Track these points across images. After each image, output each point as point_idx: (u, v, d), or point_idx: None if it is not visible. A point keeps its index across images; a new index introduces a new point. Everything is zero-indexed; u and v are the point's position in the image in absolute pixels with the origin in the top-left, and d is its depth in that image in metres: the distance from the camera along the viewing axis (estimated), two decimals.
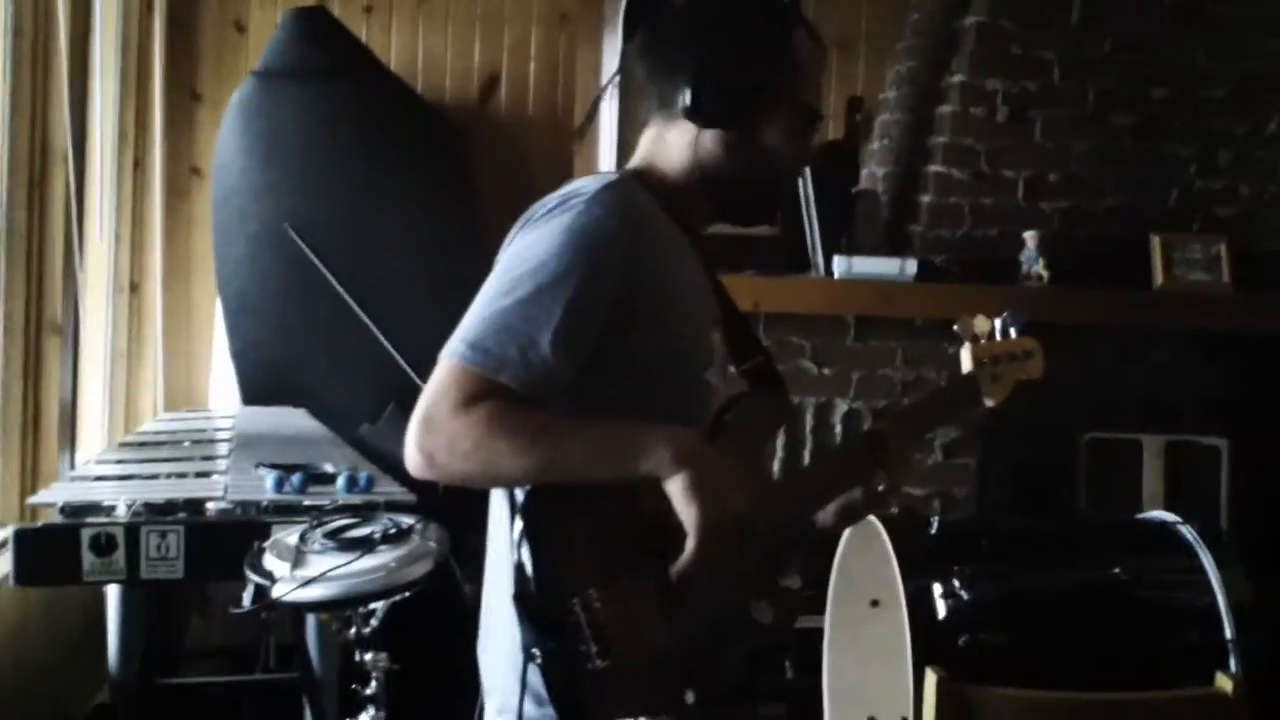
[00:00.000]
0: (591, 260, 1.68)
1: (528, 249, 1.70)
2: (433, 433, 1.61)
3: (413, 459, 1.63)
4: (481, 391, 1.61)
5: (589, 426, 1.68)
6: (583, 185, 1.76)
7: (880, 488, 1.94)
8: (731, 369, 1.91)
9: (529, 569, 1.62)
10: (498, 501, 1.80)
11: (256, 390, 4.18)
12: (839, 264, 4.00)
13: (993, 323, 2.06)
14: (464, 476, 1.63)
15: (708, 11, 1.83)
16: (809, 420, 4.09)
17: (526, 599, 1.62)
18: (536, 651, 1.61)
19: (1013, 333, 2.06)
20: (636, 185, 1.81)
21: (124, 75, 4.23)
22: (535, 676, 1.64)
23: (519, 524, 1.63)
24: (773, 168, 1.86)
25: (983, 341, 2.05)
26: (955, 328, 2.05)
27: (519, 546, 1.63)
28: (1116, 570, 2.58)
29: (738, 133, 1.81)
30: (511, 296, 1.65)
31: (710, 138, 1.81)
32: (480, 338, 1.64)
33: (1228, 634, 2.47)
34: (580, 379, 1.68)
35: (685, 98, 1.79)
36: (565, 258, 1.67)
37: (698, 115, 1.79)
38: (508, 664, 1.73)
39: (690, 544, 1.65)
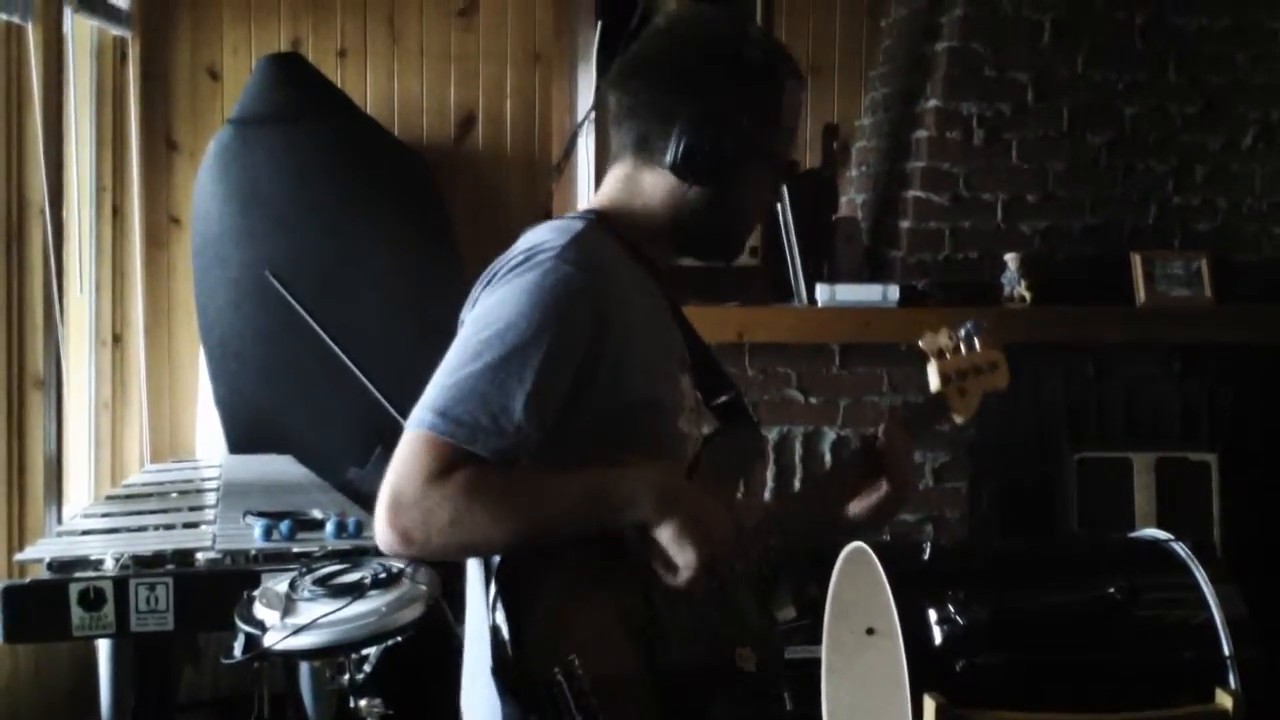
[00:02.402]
0: (560, 319, 1.62)
1: (493, 310, 1.64)
2: (406, 509, 1.54)
3: (385, 539, 1.55)
4: (454, 462, 1.55)
5: (569, 481, 1.63)
6: (546, 239, 1.69)
7: (888, 493, 1.92)
8: (704, 409, 1.89)
9: (506, 638, 1.56)
10: (471, 566, 1.73)
11: (242, 438, 4.16)
12: (821, 292, 4.00)
13: (955, 336, 2.06)
14: (443, 550, 1.57)
15: (701, 59, 1.76)
16: (798, 449, 4.08)
17: (506, 671, 1.56)
18: None
19: (976, 344, 2.06)
20: (600, 231, 1.75)
21: (99, 126, 4.23)
22: None
23: (493, 590, 1.58)
24: (747, 218, 1.84)
25: (948, 357, 2.04)
26: (919, 344, 2.05)
27: (494, 614, 1.57)
28: (1111, 590, 2.57)
29: (720, 188, 1.77)
30: (480, 361, 1.59)
31: (693, 192, 1.76)
32: (449, 406, 1.57)
33: (1225, 650, 2.46)
34: (550, 435, 1.63)
35: (672, 152, 1.73)
36: (534, 318, 1.61)
37: (687, 172, 1.74)
38: None
39: (684, 583, 1.63)
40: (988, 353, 2.06)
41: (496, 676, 1.57)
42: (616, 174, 1.82)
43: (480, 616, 1.70)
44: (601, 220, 1.78)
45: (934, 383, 2.03)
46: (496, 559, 1.61)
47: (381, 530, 1.56)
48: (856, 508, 1.94)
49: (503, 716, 1.57)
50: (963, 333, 2.07)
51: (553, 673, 1.55)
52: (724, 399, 1.89)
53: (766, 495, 3.76)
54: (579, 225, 1.73)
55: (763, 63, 1.77)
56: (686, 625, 1.65)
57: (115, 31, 4.32)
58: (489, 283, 1.70)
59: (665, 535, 1.62)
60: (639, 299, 1.76)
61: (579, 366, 1.64)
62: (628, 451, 1.68)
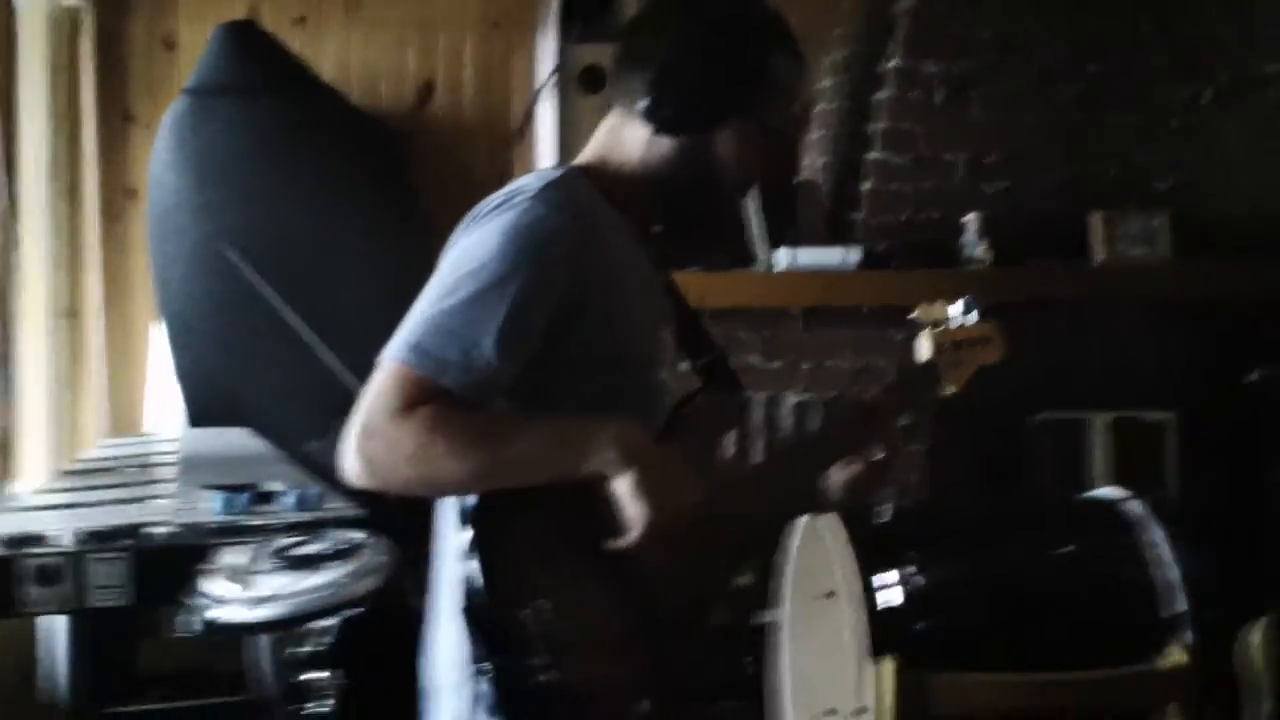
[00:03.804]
0: (535, 259, 1.64)
1: (470, 249, 1.67)
2: (372, 439, 1.57)
3: (351, 467, 1.59)
4: (422, 395, 1.57)
5: (533, 426, 1.65)
6: (526, 183, 1.72)
7: (880, 456, 1.93)
8: (684, 366, 1.89)
9: (478, 580, 1.58)
10: (446, 511, 1.76)
11: (202, 412, 4.14)
12: (783, 256, 4.00)
13: (949, 309, 2.07)
14: (405, 483, 1.59)
15: (690, 11, 1.78)
16: (760, 414, 4.08)
17: (475, 612, 1.59)
18: (487, 665, 1.58)
19: (971, 318, 2.07)
20: (582, 181, 1.77)
21: (53, 97, 4.17)
22: (486, 689, 1.61)
23: (467, 533, 1.60)
24: (721, 183, 1.82)
25: (941, 328, 2.05)
26: (915, 314, 2.05)
27: (466, 557, 1.59)
28: (1069, 549, 2.58)
29: (692, 142, 1.77)
30: (454, 297, 1.62)
31: (664, 143, 1.77)
32: (422, 340, 1.60)
33: (1181, 607, 2.47)
34: (526, 379, 1.65)
35: (646, 99, 1.75)
36: (509, 257, 1.63)
37: (654, 120, 1.76)
38: (458, 679, 1.71)
39: (635, 544, 1.63)
40: (982, 326, 2.08)
41: (465, 616, 1.59)
42: (605, 125, 1.84)
43: (452, 559, 1.72)
44: (584, 173, 1.80)
45: (926, 352, 2.03)
46: (471, 503, 1.62)
47: (348, 458, 1.58)
48: (837, 475, 1.94)
49: (470, 656, 1.61)
50: (957, 307, 2.08)
51: (520, 614, 1.57)
52: (707, 359, 1.90)
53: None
54: (560, 172, 1.77)
55: (752, 24, 1.78)
56: (657, 577, 1.66)
57: (68, 1, 4.26)
58: (469, 223, 1.72)
59: (622, 489, 1.62)
60: (618, 247, 1.77)
61: (555, 308, 1.66)
62: (607, 397, 1.70)
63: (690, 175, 1.78)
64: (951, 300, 2.09)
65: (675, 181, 1.79)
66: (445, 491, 1.69)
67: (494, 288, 1.62)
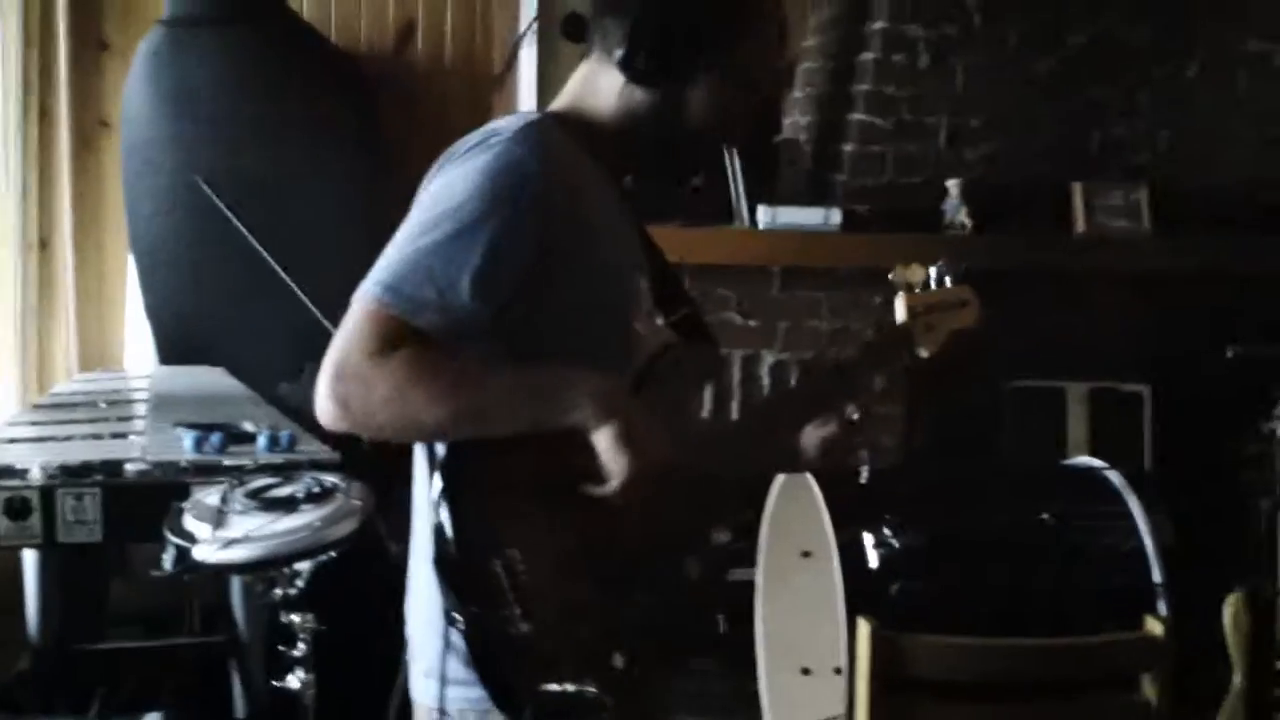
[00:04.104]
0: (513, 201, 1.62)
1: (446, 188, 1.64)
2: (346, 380, 1.54)
3: (324, 408, 1.56)
4: (397, 336, 1.55)
5: (512, 374, 1.63)
6: (504, 124, 1.69)
7: (854, 416, 1.91)
8: (659, 320, 1.88)
9: (449, 530, 1.57)
10: (419, 460, 1.74)
11: (173, 349, 4.10)
12: (763, 214, 3.98)
13: (927, 271, 2.05)
14: (378, 427, 1.57)
15: None
16: (736, 372, 4.08)
17: (447, 562, 1.57)
18: (458, 616, 1.57)
19: (947, 281, 2.05)
20: (557, 127, 1.74)
21: (26, 24, 4.10)
22: (458, 640, 1.60)
23: (437, 483, 1.58)
24: (695, 135, 1.79)
25: (917, 290, 2.04)
26: (890, 276, 2.03)
27: (438, 507, 1.58)
28: (1045, 516, 2.60)
29: (665, 94, 1.74)
30: (429, 237, 1.59)
31: (637, 93, 1.74)
32: (396, 279, 1.57)
33: (1156, 577, 2.50)
34: (502, 324, 1.62)
35: (621, 48, 1.72)
36: (486, 198, 1.61)
37: (628, 69, 1.73)
38: (431, 627, 1.69)
39: (615, 496, 1.62)
40: (959, 289, 2.05)
41: (437, 568, 1.57)
42: (580, 71, 1.81)
43: (424, 510, 1.71)
44: (559, 119, 1.77)
45: (900, 314, 2.02)
46: (442, 453, 1.60)
47: (321, 399, 1.56)
48: (810, 435, 1.93)
49: (442, 608, 1.59)
50: (934, 269, 2.06)
51: (492, 564, 1.56)
52: (682, 313, 1.88)
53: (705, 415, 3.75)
54: (536, 116, 1.74)
55: None
56: (630, 529, 1.65)
57: None
58: (445, 163, 1.69)
59: (602, 441, 1.61)
60: (594, 195, 1.75)
61: (530, 250, 1.63)
62: (582, 344, 1.68)
63: (662, 126, 1.76)
64: (924, 263, 2.07)
65: (647, 132, 1.76)
66: (420, 436, 1.66)
67: (471, 228, 1.59)
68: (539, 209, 1.63)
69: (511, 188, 1.62)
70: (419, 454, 1.73)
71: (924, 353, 2.04)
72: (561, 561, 1.62)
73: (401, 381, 1.54)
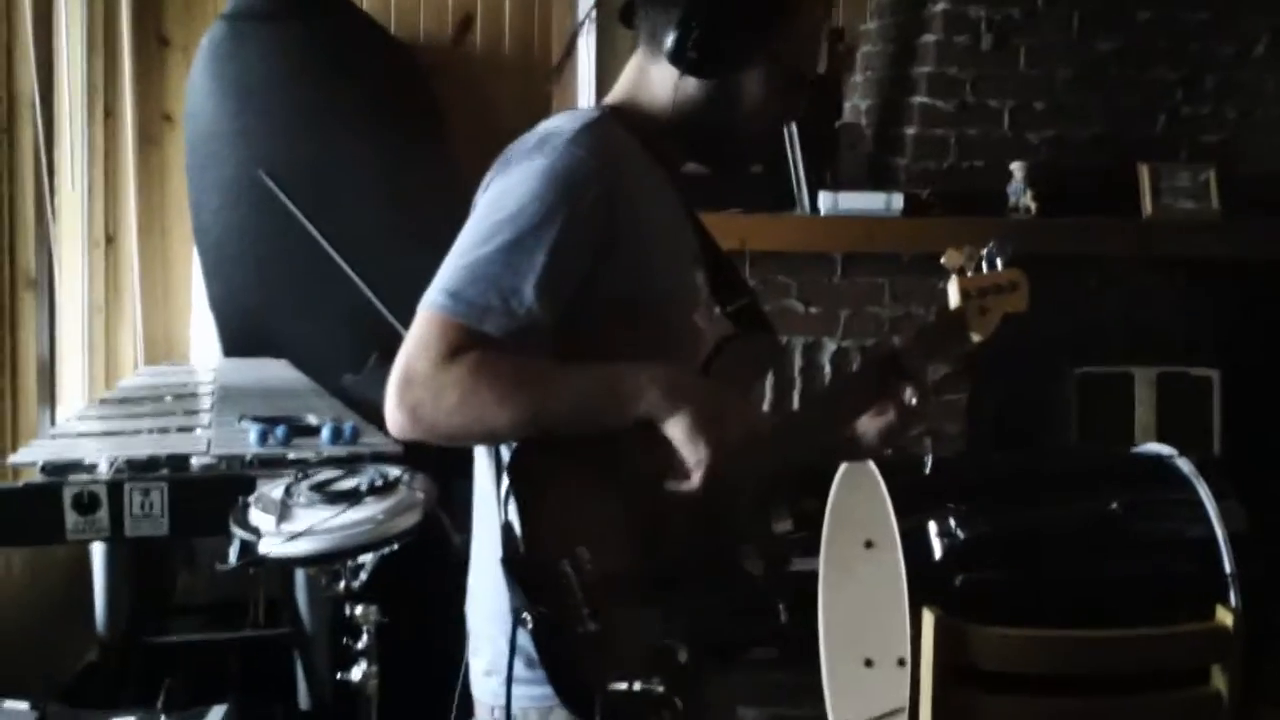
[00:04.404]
0: (572, 202, 1.62)
1: (507, 193, 1.64)
2: (415, 388, 1.54)
3: (394, 419, 1.56)
4: (464, 342, 1.55)
5: (578, 372, 1.62)
6: (560, 125, 1.69)
7: (912, 401, 1.89)
8: (717, 311, 1.87)
9: (517, 530, 1.57)
10: (481, 459, 1.75)
11: (237, 341, 4.13)
12: (824, 200, 3.95)
13: (979, 254, 2.02)
14: (450, 433, 1.57)
15: None
16: (797, 360, 4.05)
17: (515, 562, 1.57)
18: (527, 616, 1.56)
19: (999, 264, 2.02)
20: (614, 123, 1.74)
21: (90, 21, 4.14)
22: (525, 640, 1.59)
23: (505, 482, 1.58)
24: (750, 122, 1.78)
25: (969, 274, 2.01)
26: (942, 260, 2.01)
27: (505, 506, 1.58)
28: (1114, 505, 2.54)
29: (719, 84, 1.74)
30: (492, 243, 1.59)
31: (691, 84, 1.73)
32: (461, 287, 1.57)
33: (1227, 567, 2.45)
34: (564, 324, 1.62)
35: (671, 40, 1.71)
36: (546, 201, 1.61)
37: (680, 61, 1.72)
38: (497, 626, 1.69)
39: (698, 483, 1.61)
40: (1010, 272, 2.02)
41: (505, 567, 1.57)
42: (631, 65, 1.80)
43: (489, 509, 1.70)
44: (615, 113, 1.76)
45: (954, 299, 1.99)
46: (508, 453, 1.60)
47: (391, 409, 1.56)
48: (865, 427, 1.91)
49: (509, 606, 1.58)
50: (985, 251, 2.03)
51: (560, 564, 1.56)
52: (740, 303, 1.87)
53: (765, 406, 3.74)
54: (593, 114, 1.73)
55: None
56: (694, 525, 1.64)
57: None
58: (503, 166, 1.69)
59: (676, 431, 1.60)
60: (651, 190, 1.74)
61: (593, 252, 1.63)
62: (642, 342, 1.68)
63: (718, 116, 1.75)
64: (977, 246, 2.04)
65: (703, 122, 1.76)
66: (490, 439, 1.66)
67: (532, 233, 1.59)
68: (600, 210, 1.64)
69: (572, 190, 1.62)
70: (482, 453, 1.74)
71: (977, 337, 2.02)
72: (627, 558, 1.62)
73: (469, 386, 1.54)
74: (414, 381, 1.55)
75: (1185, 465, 2.60)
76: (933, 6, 4.16)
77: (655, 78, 1.76)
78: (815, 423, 1.97)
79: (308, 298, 4.07)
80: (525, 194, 1.62)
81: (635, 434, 1.61)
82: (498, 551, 1.60)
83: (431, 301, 1.58)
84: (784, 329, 4.01)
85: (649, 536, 1.64)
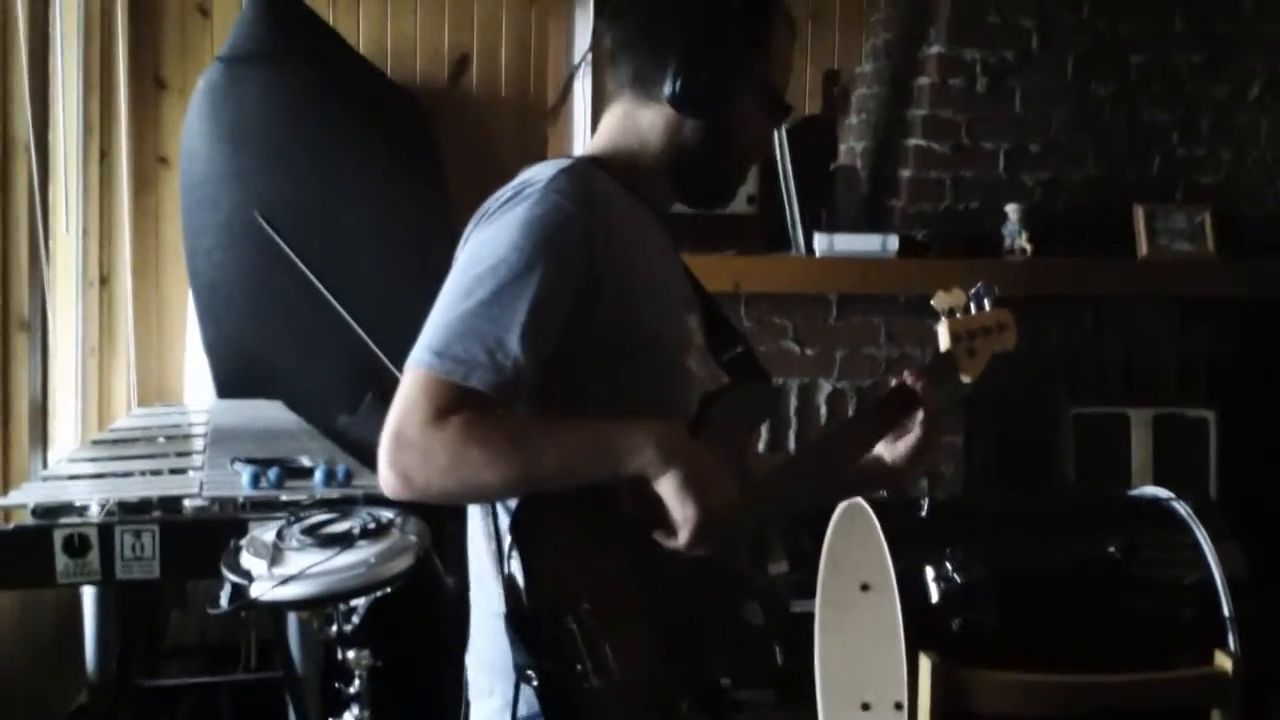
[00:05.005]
0: (552, 250, 1.60)
1: (485, 245, 1.63)
2: (406, 449, 1.53)
3: (387, 480, 1.55)
4: (453, 400, 1.54)
5: (570, 429, 1.60)
6: (536, 173, 1.68)
7: (924, 426, 1.88)
8: (711, 359, 1.86)
9: (520, 585, 1.55)
10: (475, 512, 1.73)
11: (231, 383, 4.11)
12: (819, 241, 3.95)
13: (966, 295, 2.03)
14: (442, 493, 1.56)
15: None
16: (793, 401, 4.04)
17: (519, 618, 1.55)
18: (532, 673, 1.55)
19: (986, 304, 2.03)
20: (594, 168, 1.73)
21: (86, 64, 4.15)
22: (529, 695, 1.58)
23: (508, 538, 1.57)
24: (742, 156, 1.82)
25: (958, 316, 2.01)
26: (932, 302, 2.01)
27: (508, 561, 1.56)
28: (1111, 548, 2.54)
29: (717, 122, 1.75)
30: (474, 298, 1.58)
31: (691, 125, 1.75)
32: (445, 344, 1.56)
33: (1226, 611, 2.44)
34: (553, 373, 1.61)
35: (671, 84, 1.72)
36: (525, 250, 1.59)
37: (684, 104, 1.73)
38: (499, 679, 1.67)
39: (684, 542, 1.60)
40: (997, 313, 2.03)
41: (509, 624, 1.56)
42: (614, 114, 1.80)
43: (485, 566, 1.70)
44: (596, 162, 1.76)
45: (944, 342, 1.99)
46: (508, 509, 1.60)
47: (383, 470, 1.55)
48: (890, 452, 1.90)
49: (514, 663, 1.56)
50: (973, 292, 2.04)
51: (565, 621, 1.54)
52: (734, 351, 1.86)
53: (761, 446, 3.72)
54: (570, 161, 1.72)
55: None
56: (694, 576, 1.63)
57: None
58: (481, 219, 1.68)
59: (667, 488, 1.59)
60: (637, 233, 1.73)
61: (576, 297, 1.62)
62: (633, 386, 1.67)
63: (713, 152, 1.77)
64: (965, 288, 2.05)
65: (698, 160, 1.77)
66: (483, 498, 1.65)
67: (513, 283, 1.58)
68: (581, 255, 1.62)
69: (551, 236, 1.61)
70: (476, 507, 1.73)
71: (967, 378, 2.02)
72: (631, 611, 1.60)
73: (460, 446, 1.53)
74: (404, 443, 1.53)
75: (1183, 508, 2.59)
76: (927, 49, 4.18)
77: (645, 122, 1.77)
78: (819, 464, 1.96)
79: (303, 339, 4.06)
80: (504, 245, 1.61)
81: (632, 487, 1.60)
82: (497, 605, 1.58)
83: (418, 360, 1.57)
84: (779, 370, 4.00)
85: (650, 590, 1.62)
